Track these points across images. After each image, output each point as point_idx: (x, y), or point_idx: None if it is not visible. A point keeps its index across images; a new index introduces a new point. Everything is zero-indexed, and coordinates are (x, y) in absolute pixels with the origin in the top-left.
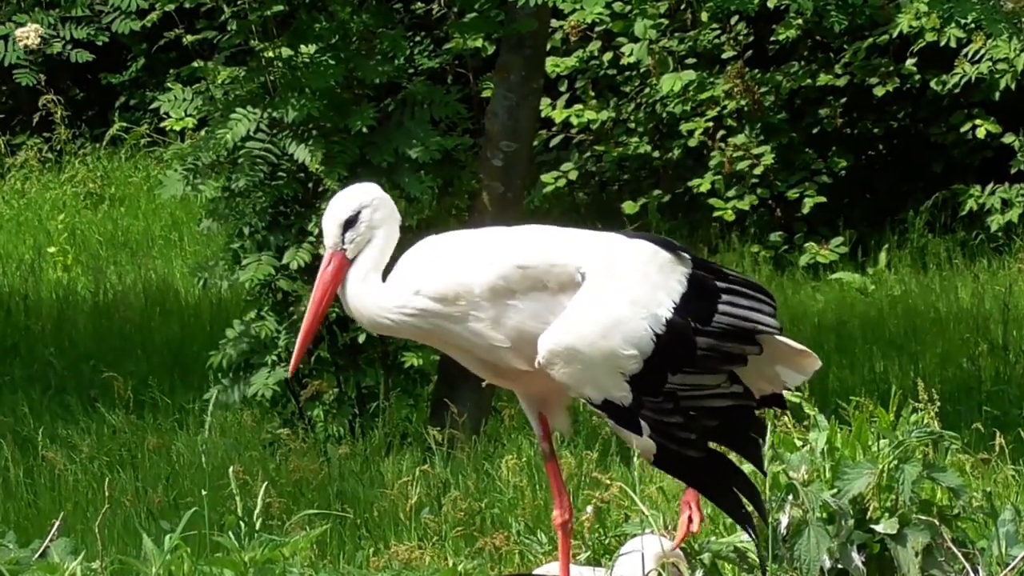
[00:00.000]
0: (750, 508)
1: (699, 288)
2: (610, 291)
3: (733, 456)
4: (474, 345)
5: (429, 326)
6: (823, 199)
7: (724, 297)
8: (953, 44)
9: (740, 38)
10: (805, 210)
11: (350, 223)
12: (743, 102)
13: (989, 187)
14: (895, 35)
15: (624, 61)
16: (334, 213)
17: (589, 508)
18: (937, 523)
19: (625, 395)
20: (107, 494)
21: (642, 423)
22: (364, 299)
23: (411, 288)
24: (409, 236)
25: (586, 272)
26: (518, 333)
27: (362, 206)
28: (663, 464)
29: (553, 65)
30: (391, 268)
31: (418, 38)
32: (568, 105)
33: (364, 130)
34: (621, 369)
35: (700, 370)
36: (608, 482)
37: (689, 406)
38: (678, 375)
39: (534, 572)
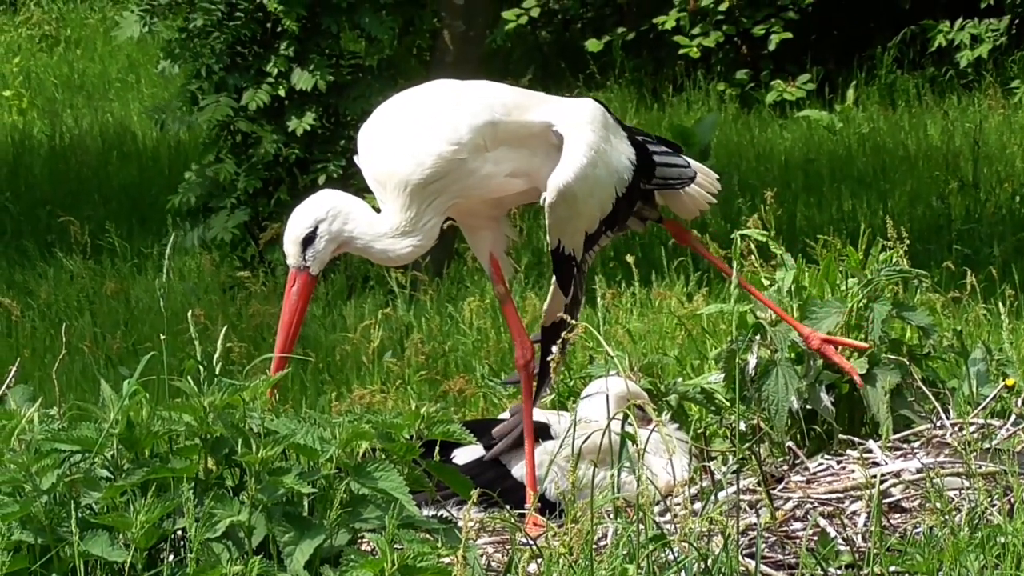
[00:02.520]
0: None
1: (640, 147)
2: (593, 153)
3: None
4: (486, 190)
5: (453, 205)
6: (789, 35)
7: (651, 150)
8: None
9: None
10: (771, 47)
11: (308, 240)
12: None
13: (958, 22)
14: None
15: None
16: (292, 232)
17: (553, 348)
18: (907, 362)
19: (579, 250)
20: (65, 340)
21: (571, 290)
22: (392, 255)
23: (415, 216)
24: (369, 78)
25: (560, 130)
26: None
27: (318, 221)
28: (548, 337)
29: None
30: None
31: None
32: None
33: None
34: (586, 228)
35: (618, 231)
36: (573, 323)
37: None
38: (604, 235)
39: (499, 416)
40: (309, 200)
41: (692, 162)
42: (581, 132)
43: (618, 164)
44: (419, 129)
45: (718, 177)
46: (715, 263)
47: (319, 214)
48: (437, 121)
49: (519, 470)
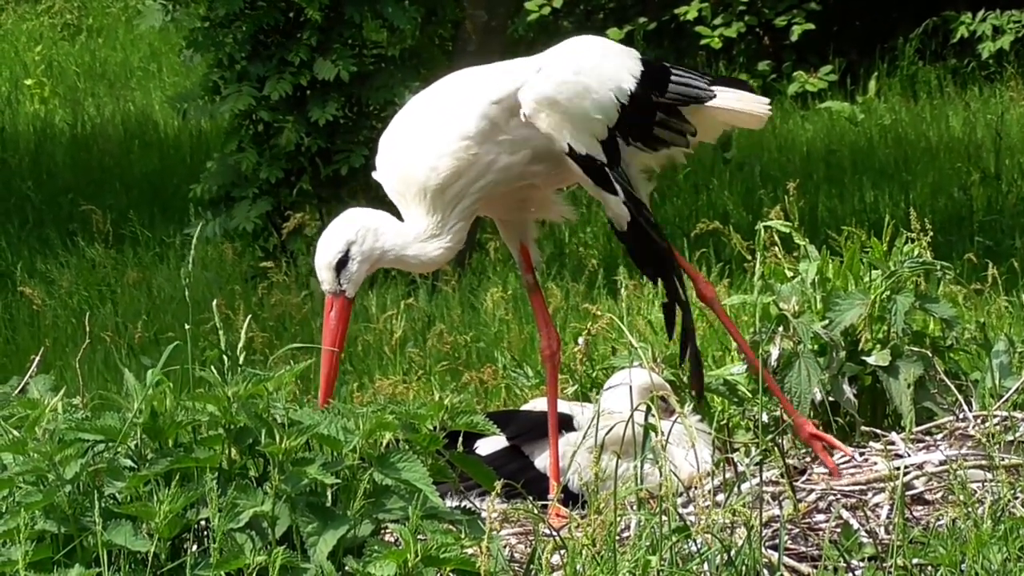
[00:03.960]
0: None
1: (653, 66)
2: (579, 63)
3: None
4: (508, 182)
5: (478, 205)
6: (811, 26)
7: (673, 72)
8: None
9: None
10: (793, 38)
11: (342, 264)
12: None
13: (980, 13)
14: None
15: None
16: (323, 258)
17: (581, 339)
18: (930, 355)
19: (599, 154)
20: (87, 329)
21: (616, 187)
22: (424, 259)
23: (441, 220)
24: (392, 68)
25: (545, 61)
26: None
27: (349, 244)
28: (634, 238)
29: None
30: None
31: None
32: None
33: None
34: (591, 131)
35: (650, 144)
36: (598, 313)
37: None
38: (630, 147)
39: (521, 408)
40: (336, 223)
41: (729, 90)
42: (560, 50)
43: (614, 74)
44: (426, 133)
45: (769, 102)
46: (735, 336)
47: (350, 236)
48: (441, 121)
49: (542, 461)
